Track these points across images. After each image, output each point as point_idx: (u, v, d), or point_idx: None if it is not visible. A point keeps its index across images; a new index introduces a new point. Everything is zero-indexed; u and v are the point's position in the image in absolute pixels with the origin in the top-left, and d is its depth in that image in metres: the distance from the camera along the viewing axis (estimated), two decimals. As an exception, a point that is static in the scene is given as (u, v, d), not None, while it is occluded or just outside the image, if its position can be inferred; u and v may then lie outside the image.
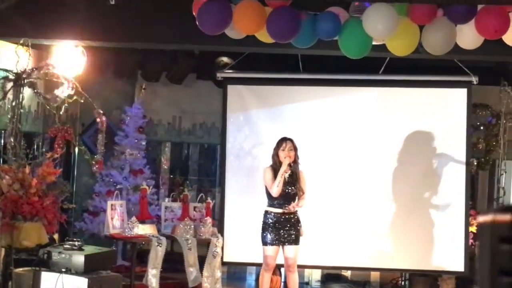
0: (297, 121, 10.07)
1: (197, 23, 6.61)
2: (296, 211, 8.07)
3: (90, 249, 7.29)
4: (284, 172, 7.87)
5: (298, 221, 8.07)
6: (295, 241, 8.01)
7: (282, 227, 7.96)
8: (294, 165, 8.05)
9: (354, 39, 6.33)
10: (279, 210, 7.98)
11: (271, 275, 8.32)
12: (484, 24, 6.06)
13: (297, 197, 8.08)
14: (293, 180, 8.04)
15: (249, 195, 9.78)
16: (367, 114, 10.04)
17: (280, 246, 8.04)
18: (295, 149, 8.09)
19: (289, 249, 8.02)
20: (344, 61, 7.91)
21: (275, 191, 7.92)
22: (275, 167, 8.01)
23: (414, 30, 6.33)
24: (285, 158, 7.91)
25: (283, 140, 8.12)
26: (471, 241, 9.88)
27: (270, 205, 8.06)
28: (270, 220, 7.99)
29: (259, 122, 10.24)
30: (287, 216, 7.98)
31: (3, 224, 7.47)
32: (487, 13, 6.03)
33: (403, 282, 10.91)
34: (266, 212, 8.08)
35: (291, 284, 8.19)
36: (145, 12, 8.54)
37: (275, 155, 8.07)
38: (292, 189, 8.01)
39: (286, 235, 7.95)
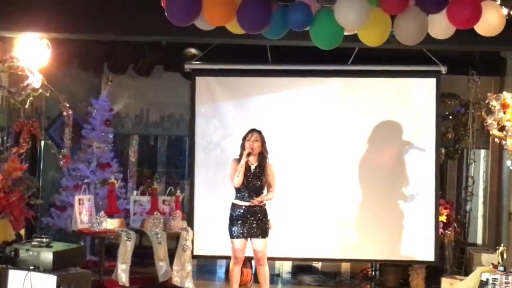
0: (266, 112, 10.01)
1: (165, 14, 6.47)
2: (264, 204, 8.00)
3: (58, 245, 7.13)
4: (244, 163, 7.82)
5: (265, 214, 8.00)
6: (263, 234, 7.94)
7: (248, 220, 7.90)
8: (260, 157, 7.98)
9: (325, 30, 6.24)
10: (245, 203, 7.93)
11: (241, 268, 8.25)
12: (456, 14, 6.01)
13: (263, 191, 8.02)
14: (260, 173, 7.98)
15: (219, 188, 9.70)
16: (335, 105, 10.01)
17: (248, 239, 7.96)
18: (263, 141, 8.01)
19: (257, 242, 7.96)
20: (313, 51, 7.81)
21: (236, 181, 7.89)
22: (240, 158, 7.97)
23: (386, 20, 6.26)
24: (246, 148, 7.87)
25: (251, 131, 8.08)
26: (440, 230, 9.91)
27: (237, 197, 8.01)
28: (237, 213, 7.95)
29: (228, 114, 10.16)
30: (253, 209, 7.92)
31: (-32, 221, 7.32)
32: (459, 3, 5.98)
33: (373, 273, 10.91)
34: (233, 205, 8.02)
35: (261, 277, 8.13)
36: (111, 3, 8.39)
37: (242, 146, 8.04)
38: (258, 182, 7.95)
39: (252, 228, 7.89)
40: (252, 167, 7.95)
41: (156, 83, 11.57)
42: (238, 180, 7.86)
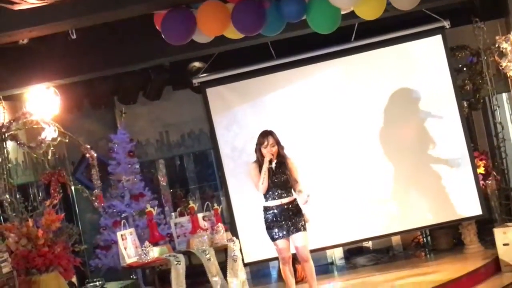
0: (281, 107, 10.00)
1: (162, 36, 6.49)
2: (294, 199, 7.90)
3: (112, 286, 7.20)
4: (266, 170, 7.71)
5: (298, 209, 7.89)
6: (302, 229, 7.82)
7: (284, 219, 7.80)
8: (279, 158, 7.87)
9: (322, 14, 6.22)
10: (277, 202, 7.83)
11: (291, 266, 8.13)
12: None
13: (289, 185, 7.90)
14: (281, 168, 7.86)
15: (253, 192, 9.57)
16: (348, 84, 9.97)
17: (289, 237, 7.88)
18: (277, 142, 7.89)
19: (297, 238, 7.82)
20: (314, 37, 7.81)
21: (261, 189, 7.80)
22: (260, 163, 7.86)
23: (379, -9, 6.25)
24: (266, 155, 7.74)
25: (264, 136, 7.90)
26: (481, 182, 9.83)
27: (267, 199, 7.91)
28: (271, 215, 7.85)
29: (245, 118, 10.16)
30: (285, 207, 7.82)
31: (20, 282, 7.35)
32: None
33: (425, 239, 10.87)
34: (265, 208, 7.93)
35: (308, 273, 7.95)
36: (106, 39, 8.45)
37: (258, 151, 7.91)
38: (282, 176, 7.83)
39: (289, 226, 7.80)
40: (273, 166, 7.82)
41: (168, 104, 11.59)
42: (263, 187, 7.76)
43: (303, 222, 7.85)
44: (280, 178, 7.81)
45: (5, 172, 8.37)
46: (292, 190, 7.89)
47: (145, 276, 10.19)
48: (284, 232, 7.81)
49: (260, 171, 7.79)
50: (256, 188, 7.89)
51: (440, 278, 8.49)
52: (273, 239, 7.90)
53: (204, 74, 10.18)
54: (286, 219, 7.80)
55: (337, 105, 9.95)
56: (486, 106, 10.93)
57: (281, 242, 7.87)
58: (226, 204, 10.36)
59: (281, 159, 7.87)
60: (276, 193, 7.83)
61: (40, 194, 9.92)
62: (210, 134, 10.46)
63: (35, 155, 9.11)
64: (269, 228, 7.89)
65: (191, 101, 11.23)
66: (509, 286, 8.30)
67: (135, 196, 10.53)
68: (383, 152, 9.83)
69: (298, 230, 7.79)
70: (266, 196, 7.88)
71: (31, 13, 6.41)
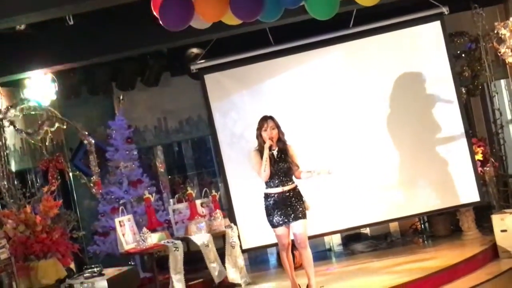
0: (280, 94, 9.97)
1: (160, 22, 6.46)
2: (296, 186, 7.89)
3: (110, 271, 7.21)
4: (267, 156, 7.68)
5: (299, 196, 7.87)
6: (301, 216, 7.79)
7: (284, 206, 7.77)
8: (280, 142, 7.85)
9: (321, 0, 6.19)
10: (278, 190, 7.79)
11: (290, 252, 8.13)
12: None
13: (291, 172, 7.89)
14: (284, 156, 7.84)
15: (251, 178, 9.60)
16: (347, 70, 9.94)
17: (288, 224, 7.84)
18: (277, 126, 7.87)
19: (296, 225, 7.78)
20: (312, 23, 7.78)
21: (264, 176, 7.74)
22: (261, 149, 7.82)
23: (378, -24, 6.21)
24: (267, 140, 7.70)
25: (263, 120, 7.87)
26: (479, 168, 9.83)
27: (268, 186, 7.86)
28: (271, 202, 7.81)
29: (243, 104, 10.13)
30: (287, 194, 7.79)
31: (18, 268, 7.38)
32: None
33: (422, 226, 10.89)
34: (266, 195, 7.89)
35: (305, 260, 7.90)
36: (104, 25, 8.43)
37: (259, 136, 7.87)
38: (284, 164, 7.82)
39: (291, 213, 7.77)
40: (275, 153, 7.78)
41: (167, 91, 11.58)
42: (266, 174, 7.70)
43: (303, 209, 7.82)
44: (282, 166, 7.78)
45: (2, 159, 8.37)
46: (299, 175, 7.84)
47: (143, 262, 10.21)
48: (284, 219, 7.78)
49: (261, 158, 7.75)
50: (258, 175, 7.85)
51: (438, 264, 8.51)
52: (273, 226, 7.88)
53: (202, 61, 10.15)
54: (286, 206, 7.77)
55: (335, 91, 9.92)
56: (484, 92, 10.94)
57: (280, 229, 7.85)
58: (224, 191, 10.35)
59: (282, 147, 7.84)
60: (278, 181, 7.79)
61: (38, 180, 9.93)
62: (208, 120, 10.43)
63: (33, 142, 9.11)
64: (269, 215, 7.87)
65: (189, 87, 11.21)
66: (507, 272, 8.32)
67: (133, 183, 10.52)
68: (381, 139, 9.82)
69: (297, 217, 7.76)
70: (268, 183, 7.84)
71: (29, -1, 6.40)
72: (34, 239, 7.71)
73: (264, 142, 7.73)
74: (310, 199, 8.07)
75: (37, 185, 9.72)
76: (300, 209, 7.79)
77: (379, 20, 9.70)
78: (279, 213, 7.77)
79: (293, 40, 9.89)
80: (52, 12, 6.79)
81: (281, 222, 7.79)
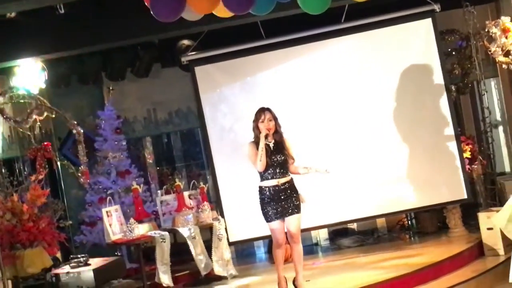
0: (271, 87, 9.96)
1: (151, 12, 6.43)
2: (291, 179, 7.84)
3: (96, 261, 7.19)
4: (263, 146, 7.61)
5: (294, 189, 7.79)
6: (296, 211, 7.71)
7: (281, 199, 7.66)
8: (277, 134, 7.80)
9: (313, -6, 6.19)
10: (273, 182, 7.68)
11: (284, 249, 7.94)
12: None
13: (287, 165, 7.84)
14: (279, 148, 7.79)
15: (240, 171, 9.66)
16: (337, 66, 9.93)
17: (283, 218, 7.72)
18: (275, 118, 7.82)
19: (291, 219, 7.69)
20: (304, 17, 7.77)
21: (259, 166, 7.62)
22: (258, 141, 7.75)
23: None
24: (263, 130, 7.64)
25: (261, 111, 7.78)
26: (467, 166, 9.86)
27: (263, 179, 7.73)
28: (267, 195, 7.68)
29: (234, 97, 10.12)
30: (282, 187, 7.69)
31: (4, 257, 7.36)
32: None
33: (409, 222, 10.92)
34: (261, 188, 7.76)
35: (296, 255, 7.80)
36: (95, 14, 8.39)
37: (256, 128, 7.78)
38: (280, 156, 7.76)
39: (286, 207, 7.66)
40: (271, 145, 7.71)
41: (157, 82, 11.57)
42: (261, 164, 7.60)
43: (298, 203, 7.73)
44: (278, 158, 7.69)
45: (-10, 146, 8.34)
46: (294, 170, 7.80)
47: (129, 253, 10.22)
48: (279, 214, 7.66)
49: (257, 149, 7.61)
50: (254, 166, 7.70)
51: (424, 260, 8.53)
52: (268, 219, 7.72)
53: (193, 52, 10.13)
54: (281, 199, 7.64)
55: (325, 86, 9.92)
56: (474, 90, 10.96)
57: (276, 223, 7.69)
58: (212, 183, 10.34)
59: (279, 139, 7.79)
60: (274, 173, 7.68)
61: (25, 169, 9.91)
62: (198, 112, 10.41)
63: (21, 130, 9.07)
64: (264, 207, 7.72)
65: (179, 79, 11.19)
66: (492, 270, 8.36)
67: (121, 173, 10.52)
68: (370, 135, 9.82)
69: (293, 212, 7.67)
70: (264, 175, 7.72)
71: (19, -14, 6.36)
72: (20, 227, 7.69)
73: (260, 133, 7.67)
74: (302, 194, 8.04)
75: (24, 174, 9.70)
76: (296, 203, 7.68)
77: (370, 16, 9.70)
78: (274, 206, 7.64)
79: (284, 34, 9.88)
80: (43, 0, 6.76)
81: (277, 216, 7.65)
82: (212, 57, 10.07)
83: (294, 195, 7.72)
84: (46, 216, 8.18)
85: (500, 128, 11.18)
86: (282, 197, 7.64)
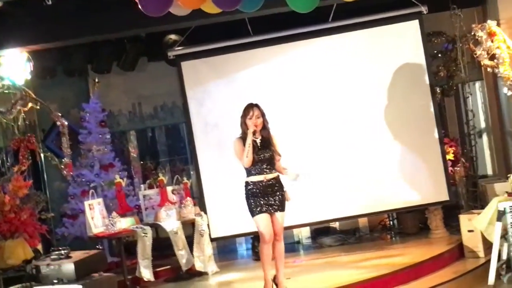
0: (256, 84, 9.95)
1: (139, 6, 6.43)
2: (278, 175, 7.80)
3: (77, 254, 7.16)
4: (250, 142, 7.57)
5: (281, 186, 7.73)
6: (281, 208, 7.67)
7: (266, 195, 7.58)
8: (264, 131, 7.78)
9: (301, -7, 6.22)
10: (260, 178, 7.61)
11: (270, 246, 7.66)
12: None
13: (274, 161, 7.81)
14: (267, 144, 7.77)
15: (224, 168, 9.68)
16: (323, 65, 9.94)
17: (269, 214, 7.60)
18: (263, 114, 7.79)
19: (275, 217, 7.62)
20: (291, 16, 7.79)
21: (246, 162, 7.57)
22: (245, 137, 7.72)
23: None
24: (250, 127, 7.60)
25: (249, 107, 7.72)
26: (450, 168, 9.91)
27: (250, 175, 7.67)
28: (253, 190, 7.59)
29: (219, 93, 10.10)
30: (269, 182, 7.62)
31: (-15, 247, 7.33)
32: None
33: (391, 222, 10.97)
34: (247, 183, 7.68)
35: (278, 253, 7.71)
36: (83, 6, 8.36)
37: (243, 124, 7.74)
38: (267, 152, 7.72)
39: (272, 202, 7.59)
40: (258, 141, 7.64)
41: (143, 76, 11.55)
42: (248, 160, 7.54)
43: (283, 200, 7.67)
44: (265, 154, 7.65)
45: (-27, 136, 8.30)
46: (280, 170, 7.74)
47: (111, 247, 10.19)
48: (265, 208, 7.58)
49: (244, 145, 7.56)
50: (241, 162, 7.64)
51: (405, 261, 8.56)
52: (254, 214, 7.60)
53: (180, 47, 10.12)
54: (267, 195, 7.58)
55: (310, 85, 9.93)
56: (458, 93, 11.02)
57: (263, 217, 7.56)
58: (196, 179, 10.35)
59: (266, 135, 7.76)
60: (260, 169, 7.62)
61: (8, 160, 9.85)
62: (183, 107, 10.39)
63: (5, 120, 9.03)
64: (250, 203, 7.64)
65: (165, 73, 11.18)
66: (472, 272, 8.41)
67: (105, 166, 10.49)
68: (353, 135, 9.84)
69: (278, 209, 7.62)
70: (250, 171, 7.65)
71: (7, -24, 6.33)
72: (2, 218, 7.67)
73: (248, 130, 7.63)
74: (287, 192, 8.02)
75: (7, 165, 9.65)
76: (283, 199, 7.64)
77: (358, 16, 9.72)
78: (261, 200, 7.56)
79: (272, 31, 9.88)
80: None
81: (263, 209, 7.54)
82: (199, 53, 10.06)
83: (281, 191, 7.68)
84: (28, 207, 8.15)
85: (484, 131, 11.25)
86: (269, 193, 7.60)
